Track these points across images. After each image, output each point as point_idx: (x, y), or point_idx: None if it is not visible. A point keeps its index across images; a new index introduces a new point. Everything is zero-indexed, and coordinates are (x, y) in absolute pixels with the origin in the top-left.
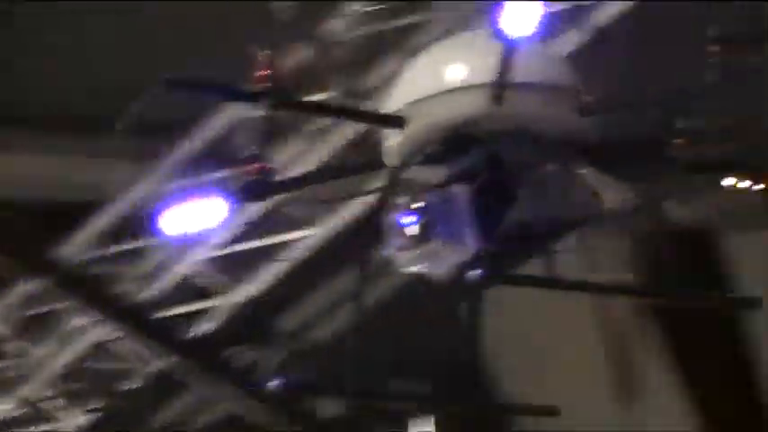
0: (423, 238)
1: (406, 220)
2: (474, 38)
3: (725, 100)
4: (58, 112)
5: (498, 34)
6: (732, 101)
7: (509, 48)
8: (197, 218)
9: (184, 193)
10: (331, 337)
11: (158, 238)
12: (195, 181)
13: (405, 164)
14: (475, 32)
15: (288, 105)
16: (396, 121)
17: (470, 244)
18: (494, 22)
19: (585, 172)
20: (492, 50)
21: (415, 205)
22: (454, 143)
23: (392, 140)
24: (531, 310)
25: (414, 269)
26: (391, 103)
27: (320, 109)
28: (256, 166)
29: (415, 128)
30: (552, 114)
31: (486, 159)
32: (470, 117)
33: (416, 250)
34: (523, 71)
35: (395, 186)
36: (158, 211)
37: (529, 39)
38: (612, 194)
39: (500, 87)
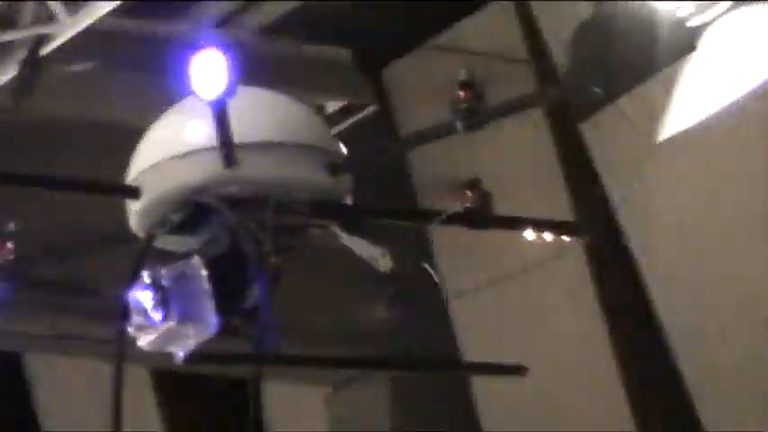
0: (160, 316)
1: (142, 296)
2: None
3: None
4: None
5: (195, 93)
6: None
7: (216, 106)
8: None
9: None
10: None
11: None
12: None
13: (150, 234)
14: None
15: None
16: (131, 191)
17: (210, 322)
18: (184, 83)
19: (344, 237)
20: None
21: (149, 280)
22: (194, 211)
23: (133, 210)
24: None
25: (153, 349)
26: (129, 173)
27: (50, 183)
28: None
29: (150, 197)
30: (296, 175)
31: (225, 228)
32: (200, 182)
33: (155, 330)
34: (265, 130)
35: (143, 257)
36: None
37: (226, 93)
38: (371, 256)
39: (227, 149)
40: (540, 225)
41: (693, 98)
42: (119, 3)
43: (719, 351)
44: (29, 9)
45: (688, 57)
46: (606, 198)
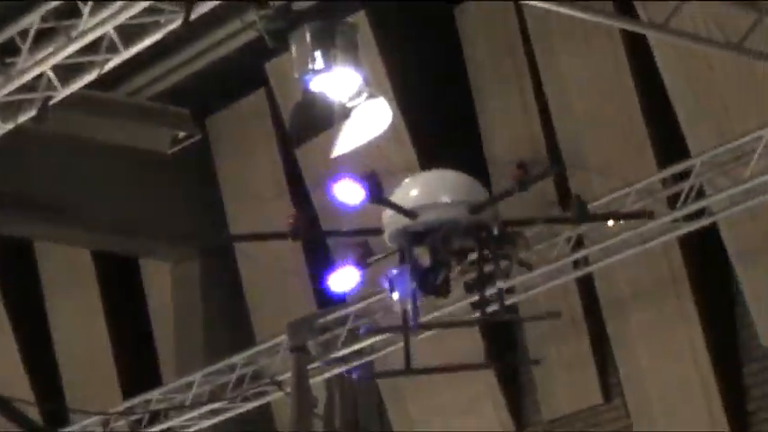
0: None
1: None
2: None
3: None
4: None
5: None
6: None
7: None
8: None
9: None
10: None
11: None
12: None
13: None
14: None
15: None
16: (410, 214)
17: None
18: None
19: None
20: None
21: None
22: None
23: (398, 225)
24: None
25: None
26: (407, 200)
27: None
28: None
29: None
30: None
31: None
32: (454, 220)
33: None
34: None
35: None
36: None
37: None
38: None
39: (478, 205)
40: None
41: None
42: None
43: None
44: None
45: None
46: None
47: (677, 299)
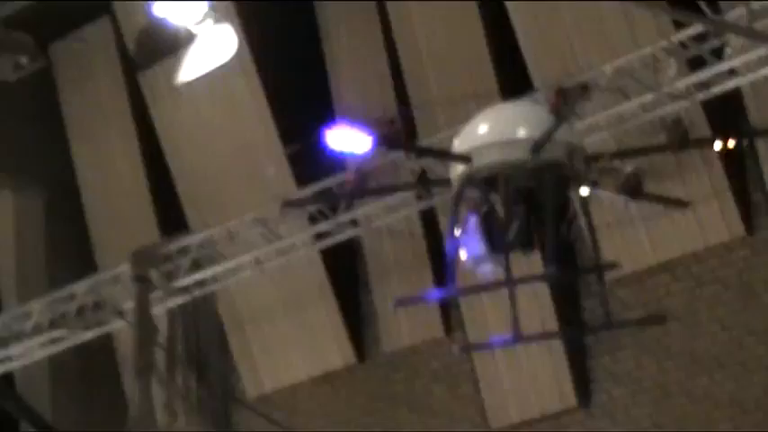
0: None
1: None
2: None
3: None
4: None
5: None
6: None
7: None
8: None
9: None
10: None
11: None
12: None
13: (463, 187)
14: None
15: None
16: (465, 158)
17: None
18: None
19: None
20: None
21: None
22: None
23: (458, 169)
24: None
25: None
26: (461, 143)
27: (417, 150)
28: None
29: (474, 164)
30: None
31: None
32: (512, 161)
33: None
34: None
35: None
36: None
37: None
38: None
39: (538, 144)
40: None
41: None
42: None
43: None
44: None
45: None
46: None
47: None
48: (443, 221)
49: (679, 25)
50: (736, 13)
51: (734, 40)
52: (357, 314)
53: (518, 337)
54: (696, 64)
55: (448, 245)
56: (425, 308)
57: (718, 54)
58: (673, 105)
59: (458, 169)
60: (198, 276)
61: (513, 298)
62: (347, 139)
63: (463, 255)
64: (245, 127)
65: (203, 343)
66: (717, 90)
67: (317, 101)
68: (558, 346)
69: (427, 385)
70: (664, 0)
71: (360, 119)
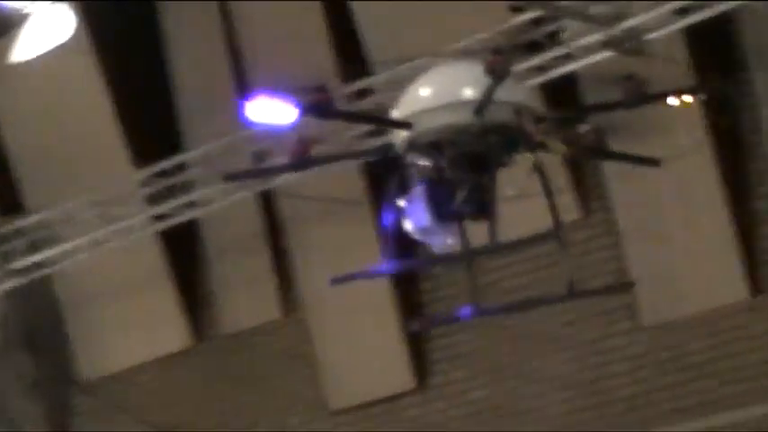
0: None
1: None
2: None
3: None
4: None
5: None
6: None
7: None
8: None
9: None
10: None
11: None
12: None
13: (406, 153)
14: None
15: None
16: (405, 125)
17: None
18: None
19: None
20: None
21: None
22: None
23: (399, 136)
24: None
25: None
26: (401, 109)
27: (351, 117)
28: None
29: (416, 130)
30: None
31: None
32: (455, 125)
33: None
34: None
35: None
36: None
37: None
38: None
39: (482, 106)
40: None
41: None
42: None
43: None
44: None
45: None
46: None
47: (358, 215)
48: (284, 203)
49: (516, 9)
50: None
51: (570, 25)
52: (195, 296)
53: (478, 310)
54: (533, 48)
55: (385, 216)
56: (264, 289)
57: (554, 38)
58: None
59: (400, 136)
60: (35, 258)
61: (471, 270)
62: (269, 110)
63: (409, 226)
64: (83, 108)
65: (40, 325)
66: (554, 74)
67: (156, 81)
68: (394, 327)
69: (266, 366)
70: None
71: (283, 87)
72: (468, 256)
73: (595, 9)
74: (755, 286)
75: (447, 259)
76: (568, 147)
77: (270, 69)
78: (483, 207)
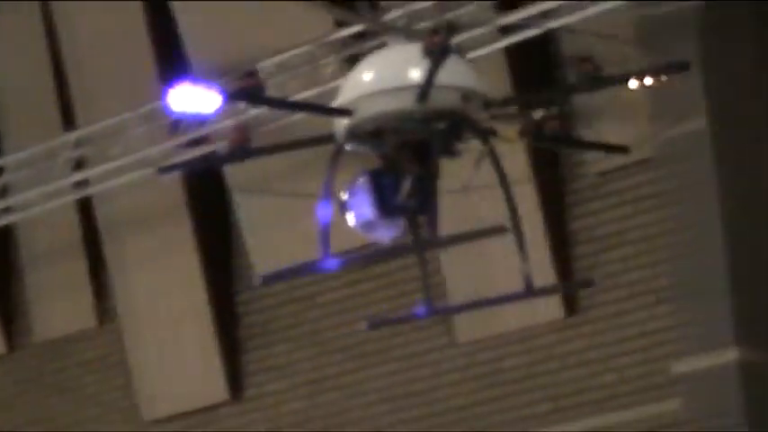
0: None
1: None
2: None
3: None
4: None
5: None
6: None
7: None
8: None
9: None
10: None
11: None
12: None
13: (346, 142)
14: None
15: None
16: (344, 112)
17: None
18: None
19: None
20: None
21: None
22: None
23: (340, 124)
24: None
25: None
26: (345, 95)
27: (285, 105)
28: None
29: (357, 117)
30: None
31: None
32: (398, 111)
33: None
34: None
35: (337, 158)
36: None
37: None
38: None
39: (425, 90)
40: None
41: None
42: None
43: None
44: None
45: None
46: None
47: (176, 226)
48: (101, 208)
49: (340, 23)
50: (395, 14)
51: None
52: (9, 303)
53: (432, 310)
54: (355, 62)
55: (320, 209)
56: (80, 297)
57: None
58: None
59: (340, 123)
60: None
61: (423, 264)
62: (193, 98)
63: (351, 220)
64: None
65: None
66: None
67: None
68: (211, 338)
69: (80, 375)
70: None
71: (209, 74)
72: (418, 249)
73: (419, 26)
74: (570, 306)
75: (395, 253)
76: (524, 134)
77: (91, 72)
78: (427, 199)
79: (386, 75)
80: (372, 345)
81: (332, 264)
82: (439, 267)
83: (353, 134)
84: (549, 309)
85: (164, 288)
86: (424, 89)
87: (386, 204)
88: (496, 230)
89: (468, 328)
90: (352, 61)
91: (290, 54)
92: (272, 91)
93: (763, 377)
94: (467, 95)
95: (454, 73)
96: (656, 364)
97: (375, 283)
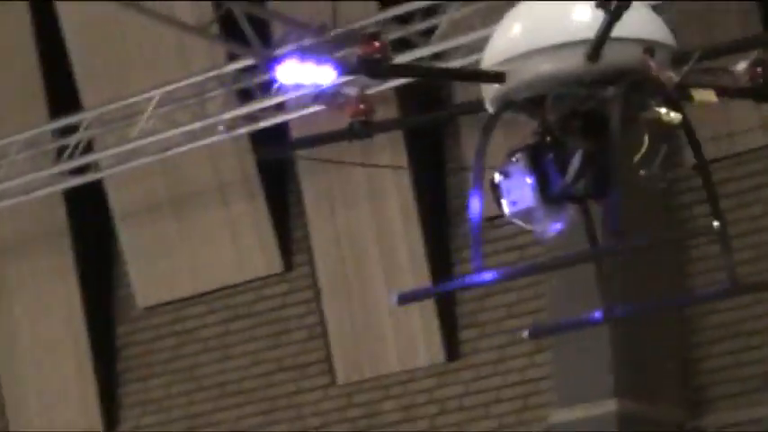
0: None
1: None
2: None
3: None
4: None
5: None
6: None
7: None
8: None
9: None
10: None
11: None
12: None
13: (499, 111)
14: None
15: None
16: (496, 77)
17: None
18: None
19: None
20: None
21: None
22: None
23: (490, 91)
24: None
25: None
26: (491, 57)
27: (430, 73)
28: (374, 46)
29: (512, 83)
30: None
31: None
32: (564, 73)
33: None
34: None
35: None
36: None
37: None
38: None
39: (597, 46)
40: None
41: None
42: None
43: None
44: None
45: None
46: None
47: (57, 253)
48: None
49: (232, 57)
50: (285, 50)
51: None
52: None
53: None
54: (245, 96)
55: (472, 200)
56: None
57: (267, 88)
58: (219, 136)
59: (489, 91)
60: None
61: (600, 272)
62: (303, 72)
63: (507, 209)
64: None
65: None
66: (264, 124)
67: None
68: (88, 370)
69: None
70: (218, 32)
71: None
72: (596, 257)
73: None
74: (451, 351)
75: (570, 262)
76: (724, 94)
77: None
78: (602, 182)
79: (544, 29)
80: (251, 382)
81: (488, 277)
82: (320, 306)
83: (508, 103)
84: (431, 353)
85: (42, 315)
86: (597, 44)
87: (550, 189)
88: (704, 232)
89: (348, 369)
90: (242, 96)
91: (179, 84)
92: (160, 123)
93: (642, 428)
94: (650, 50)
95: (632, 22)
96: (535, 412)
97: (255, 320)
